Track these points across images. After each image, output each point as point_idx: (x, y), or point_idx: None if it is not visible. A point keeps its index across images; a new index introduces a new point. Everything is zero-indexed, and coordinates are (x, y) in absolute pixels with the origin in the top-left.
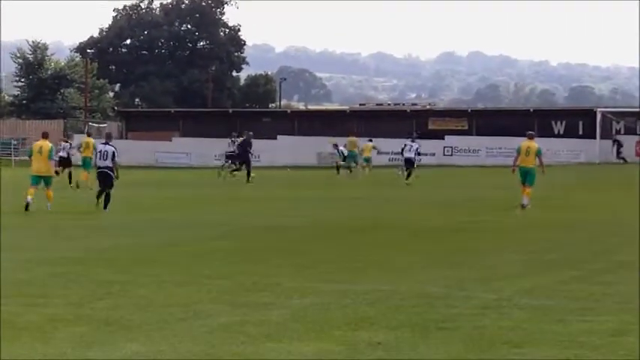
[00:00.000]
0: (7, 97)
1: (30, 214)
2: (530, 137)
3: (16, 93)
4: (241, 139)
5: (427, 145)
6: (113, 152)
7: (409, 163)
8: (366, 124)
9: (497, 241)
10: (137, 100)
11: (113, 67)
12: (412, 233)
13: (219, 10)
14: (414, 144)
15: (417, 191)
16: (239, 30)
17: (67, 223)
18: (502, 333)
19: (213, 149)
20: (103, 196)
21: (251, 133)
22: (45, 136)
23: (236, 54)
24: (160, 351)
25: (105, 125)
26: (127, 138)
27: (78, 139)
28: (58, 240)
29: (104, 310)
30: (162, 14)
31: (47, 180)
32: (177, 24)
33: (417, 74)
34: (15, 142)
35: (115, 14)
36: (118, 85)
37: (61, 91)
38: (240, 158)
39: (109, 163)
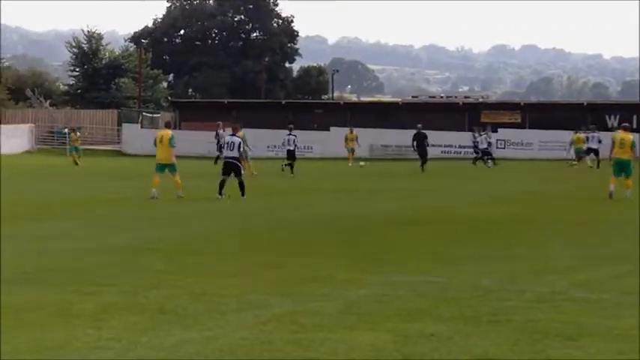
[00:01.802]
0: (61, 87)
1: (85, 204)
2: (625, 129)
3: (71, 82)
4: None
5: (480, 138)
6: (239, 143)
7: (596, 154)
8: (417, 117)
9: (550, 234)
10: (190, 90)
11: (167, 58)
12: (465, 225)
13: (272, 1)
14: (595, 134)
15: (470, 184)
16: (292, 21)
17: (121, 213)
18: (555, 326)
19: (266, 140)
20: (226, 185)
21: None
22: (167, 125)
23: (289, 45)
24: (213, 338)
25: (159, 115)
26: (180, 128)
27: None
28: (112, 229)
29: (158, 299)
30: (215, 5)
31: (171, 167)
32: (230, 15)
33: (470, 67)
34: (69, 132)
35: (169, 5)
36: (172, 75)
37: (115, 80)
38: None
39: (235, 153)
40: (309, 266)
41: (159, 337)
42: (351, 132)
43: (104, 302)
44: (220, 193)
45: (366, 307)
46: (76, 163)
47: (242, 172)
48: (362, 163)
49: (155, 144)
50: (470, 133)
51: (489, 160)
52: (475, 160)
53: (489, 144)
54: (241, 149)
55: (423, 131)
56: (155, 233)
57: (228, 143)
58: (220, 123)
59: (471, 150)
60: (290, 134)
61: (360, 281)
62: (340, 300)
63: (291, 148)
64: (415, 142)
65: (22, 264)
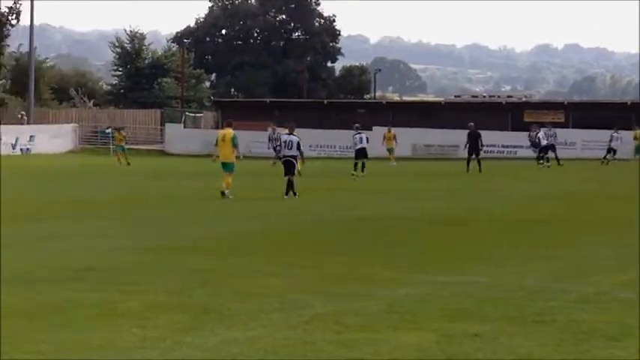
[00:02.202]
0: (104, 86)
1: (128, 203)
2: None
3: (114, 82)
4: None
5: (523, 137)
6: (298, 142)
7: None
8: (460, 116)
9: (594, 234)
10: (232, 90)
11: (209, 57)
12: (508, 225)
13: (314, 0)
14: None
15: (513, 183)
16: (334, 20)
17: (165, 212)
18: (599, 326)
19: (308, 140)
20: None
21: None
22: (229, 124)
23: (331, 44)
24: (256, 338)
25: (201, 115)
26: (223, 128)
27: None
28: (157, 228)
29: (202, 298)
30: (257, 4)
31: (229, 166)
32: (272, 14)
33: (512, 66)
34: (112, 131)
35: (211, 4)
36: (214, 75)
37: (158, 80)
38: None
39: (294, 152)
40: (351, 266)
41: (203, 337)
42: (389, 131)
43: (149, 301)
44: (287, 193)
45: (410, 306)
46: (128, 163)
47: (295, 171)
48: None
49: (217, 143)
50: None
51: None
52: (539, 158)
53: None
54: (300, 148)
55: (477, 130)
56: (199, 232)
57: (286, 142)
58: (272, 124)
59: (514, 150)
60: (359, 133)
61: (403, 281)
62: (383, 300)
63: (364, 146)
64: (468, 141)
65: (66, 263)
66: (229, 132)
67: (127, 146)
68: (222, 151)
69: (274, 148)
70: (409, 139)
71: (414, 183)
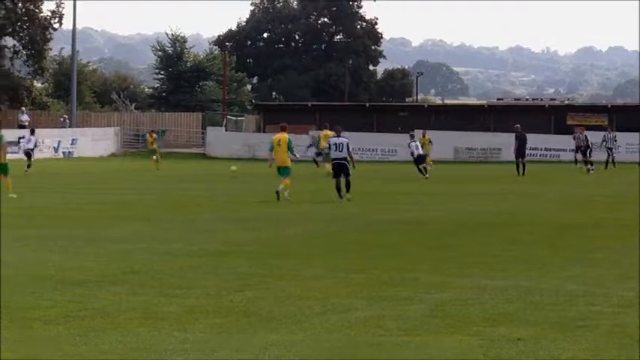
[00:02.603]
0: (146, 90)
1: (170, 206)
2: None
3: (156, 85)
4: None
5: (565, 140)
6: (347, 144)
7: None
8: (502, 119)
9: (633, 238)
10: (274, 93)
11: (251, 60)
12: (551, 229)
13: (356, 3)
14: None
15: (556, 187)
16: (376, 23)
17: (206, 215)
18: None
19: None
20: (343, 185)
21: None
22: (283, 128)
23: (373, 48)
24: (298, 342)
25: (243, 118)
26: (264, 131)
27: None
28: (198, 232)
29: (243, 301)
30: (299, 8)
31: (286, 170)
32: (314, 17)
33: (556, 69)
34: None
35: (252, 8)
36: (256, 78)
37: (200, 83)
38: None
39: (344, 154)
40: (393, 269)
41: (244, 340)
42: (424, 136)
43: (190, 305)
44: (341, 196)
45: (452, 310)
46: (157, 168)
47: (349, 172)
48: (233, 168)
49: (271, 148)
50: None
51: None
52: (587, 162)
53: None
54: (350, 149)
55: (524, 133)
56: (241, 236)
57: (336, 145)
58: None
59: (556, 153)
60: (414, 140)
61: (445, 284)
62: (425, 303)
63: (421, 153)
64: (516, 144)
65: (108, 266)
66: (285, 136)
67: (158, 149)
68: (279, 156)
69: (318, 153)
70: (451, 142)
71: (457, 186)
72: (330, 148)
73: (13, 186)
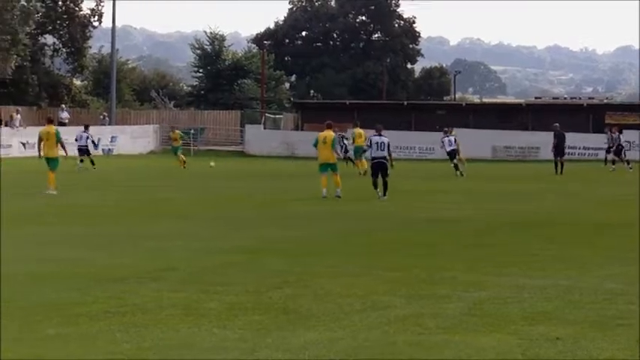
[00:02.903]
0: (185, 88)
1: (209, 204)
2: None
3: (195, 83)
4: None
5: (603, 139)
6: (389, 143)
7: None
8: (540, 118)
9: None
10: (312, 91)
11: (289, 59)
12: (590, 228)
13: (394, 2)
14: None
15: (593, 186)
16: (414, 22)
17: (246, 213)
18: None
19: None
20: (381, 184)
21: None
22: (329, 126)
23: (411, 46)
24: (337, 339)
25: (281, 116)
26: (302, 129)
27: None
28: (237, 229)
29: (282, 299)
30: (337, 6)
31: (333, 167)
32: (352, 16)
33: (594, 68)
34: (193, 132)
35: (290, 6)
36: (294, 76)
37: (238, 81)
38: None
39: (385, 153)
40: (432, 268)
41: (283, 338)
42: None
43: (229, 302)
44: (379, 195)
45: (490, 309)
46: (183, 166)
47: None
48: (212, 164)
49: (316, 145)
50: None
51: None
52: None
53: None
54: (390, 149)
55: (563, 132)
56: (279, 233)
57: (378, 144)
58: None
59: (594, 152)
60: (447, 136)
61: (483, 283)
62: (464, 302)
63: (454, 148)
64: (555, 142)
65: (148, 263)
66: (330, 134)
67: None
68: (323, 153)
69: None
70: (489, 141)
71: (494, 185)
72: (370, 146)
73: (55, 183)
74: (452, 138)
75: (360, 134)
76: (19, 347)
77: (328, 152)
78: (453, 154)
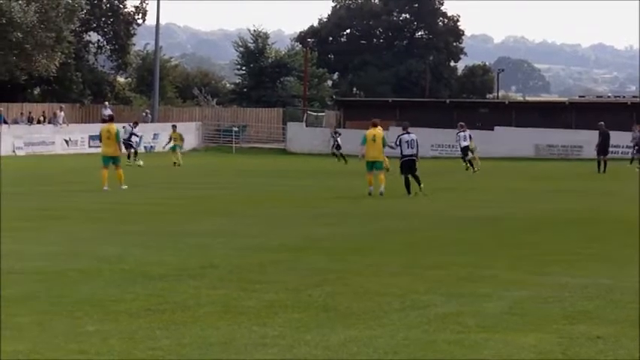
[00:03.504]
0: (228, 85)
1: (250, 202)
2: None
3: (237, 81)
4: None
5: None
6: (417, 140)
7: None
8: (583, 117)
9: None
10: (355, 89)
11: (332, 56)
12: (632, 227)
13: (437, 0)
14: None
15: (634, 185)
16: (458, 20)
17: (286, 211)
18: None
19: (430, 139)
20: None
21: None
22: (375, 124)
23: (454, 44)
24: (376, 337)
25: (323, 114)
26: (344, 127)
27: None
28: (277, 227)
29: (321, 297)
30: (381, 4)
31: (379, 165)
32: (395, 14)
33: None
34: (236, 129)
35: (334, 4)
36: (337, 74)
37: (281, 79)
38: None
39: (415, 150)
40: (472, 266)
41: (323, 335)
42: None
43: (268, 299)
44: (409, 192)
45: (530, 308)
46: (175, 164)
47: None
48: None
49: (364, 142)
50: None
51: None
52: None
53: None
54: (418, 147)
55: (607, 130)
56: (319, 231)
57: (409, 142)
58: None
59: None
60: (463, 131)
61: (523, 282)
62: (504, 301)
63: (467, 144)
64: (600, 141)
65: (186, 261)
66: (379, 132)
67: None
68: (373, 151)
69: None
70: (532, 139)
71: (537, 183)
72: (399, 144)
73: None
74: (467, 134)
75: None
76: (64, 342)
77: (377, 151)
78: (465, 150)
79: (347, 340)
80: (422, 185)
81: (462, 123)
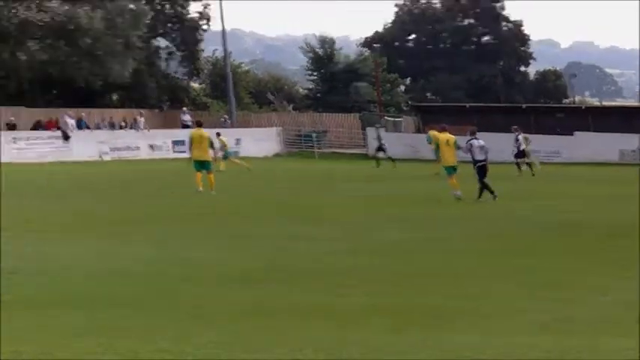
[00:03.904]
0: (301, 90)
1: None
2: None
3: (310, 86)
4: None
5: None
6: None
7: None
8: None
9: None
10: (429, 94)
11: (402, 61)
12: None
13: (498, 4)
14: None
15: None
16: (521, 25)
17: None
18: None
19: (507, 145)
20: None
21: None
22: (443, 129)
23: (522, 49)
24: (481, 342)
25: (401, 119)
26: (424, 132)
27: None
28: (364, 231)
29: (414, 300)
30: (443, 9)
31: (456, 169)
32: (459, 19)
33: None
34: (316, 135)
35: (396, 9)
36: (409, 78)
37: (353, 84)
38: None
39: (486, 156)
40: (562, 271)
41: (431, 341)
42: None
43: (364, 303)
44: (492, 194)
45: (616, 313)
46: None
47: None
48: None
49: (438, 147)
50: None
51: None
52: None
53: None
54: (488, 152)
55: None
56: (409, 235)
57: (481, 147)
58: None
59: None
60: (519, 133)
61: (609, 287)
62: (590, 305)
63: (523, 148)
64: None
65: (278, 265)
66: (451, 136)
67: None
68: (451, 156)
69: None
70: (616, 144)
71: (620, 188)
72: (470, 150)
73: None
74: (521, 137)
75: (435, 136)
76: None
77: (451, 154)
78: (522, 154)
79: (459, 345)
80: (483, 194)
81: (516, 126)
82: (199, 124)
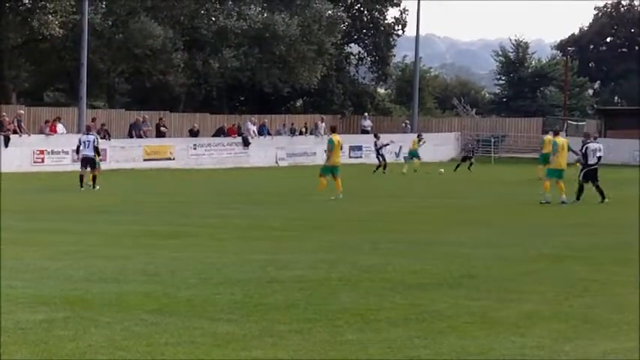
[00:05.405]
0: (487, 95)
1: (505, 210)
2: None
3: (497, 91)
4: None
5: None
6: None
7: None
8: None
9: None
10: (616, 98)
11: (592, 65)
12: None
13: None
14: None
15: None
16: None
17: (537, 220)
18: None
19: None
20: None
21: None
22: (556, 133)
23: None
24: (635, 350)
25: (584, 123)
26: (605, 136)
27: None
28: (533, 236)
29: (582, 307)
30: None
31: (561, 173)
32: None
33: None
34: (494, 140)
35: (596, 12)
36: (598, 82)
37: (541, 89)
38: None
39: (599, 160)
40: None
41: (582, 347)
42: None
43: (527, 310)
44: (579, 198)
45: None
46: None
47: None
48: (441, 170)
49: (556, 152)
50: None
51: None
52: None
53: None
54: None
55: None
56: (578, 240)
57: (594, 150)
58: None
59: None
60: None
61: None
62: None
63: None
64: None
65: (444, 270)
66: (564, 140)
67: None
68: (564, 159)
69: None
70: None
71: None
72: (585, 153)
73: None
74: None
75: (551, 141)
76: (324, 350)
77: (564, 158)
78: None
79: (607, 352)
80: (606, 200)
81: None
82: (334, 130)
